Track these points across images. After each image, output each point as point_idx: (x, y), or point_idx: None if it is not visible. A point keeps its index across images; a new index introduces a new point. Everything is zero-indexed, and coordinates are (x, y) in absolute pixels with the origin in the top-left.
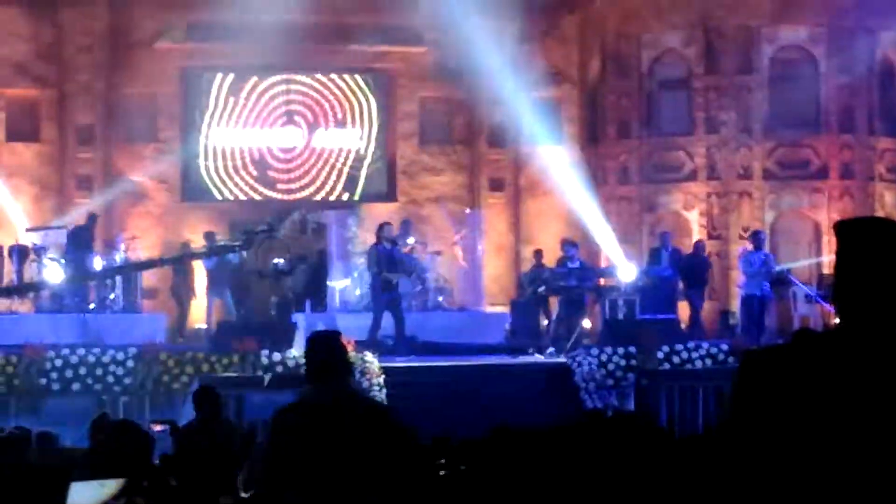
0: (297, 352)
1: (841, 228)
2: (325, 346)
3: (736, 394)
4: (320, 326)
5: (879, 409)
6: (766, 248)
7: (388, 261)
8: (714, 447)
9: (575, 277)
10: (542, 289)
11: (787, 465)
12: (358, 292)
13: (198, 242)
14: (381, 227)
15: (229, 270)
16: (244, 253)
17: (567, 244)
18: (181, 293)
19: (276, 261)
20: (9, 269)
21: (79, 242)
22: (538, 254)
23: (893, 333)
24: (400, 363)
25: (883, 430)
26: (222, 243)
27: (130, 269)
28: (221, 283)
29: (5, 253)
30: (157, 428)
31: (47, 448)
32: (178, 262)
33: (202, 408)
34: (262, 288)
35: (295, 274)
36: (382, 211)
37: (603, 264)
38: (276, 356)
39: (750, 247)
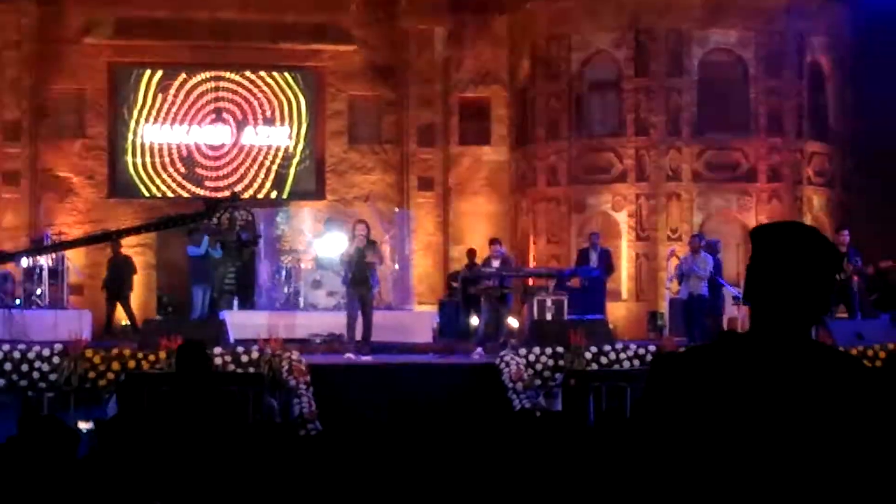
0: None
1: (755, 233)
2: None
3: (644, 391)
4: (248, 324)
5: (784, 412)
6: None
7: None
8: (619, 445)
9: (498, 277)
10: (472, 288)
11: (682, 464)
12: (286, 290)
13: (125, 241)
14: (354, 226)
15: (211, 264)
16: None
17: (492, 243)
18: (114, 288)
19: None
20: None
21: None
22: (471, 253)
23: (804, 337)
24: (325, 362)
25: (785, 433)
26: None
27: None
28: (205, 276)
29: None
30: (84, 426)
31: None
32: (137, 231)
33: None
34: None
35: (220, 270)
36: (311, 209)
37: (532, 265)
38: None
39: (686, 250)
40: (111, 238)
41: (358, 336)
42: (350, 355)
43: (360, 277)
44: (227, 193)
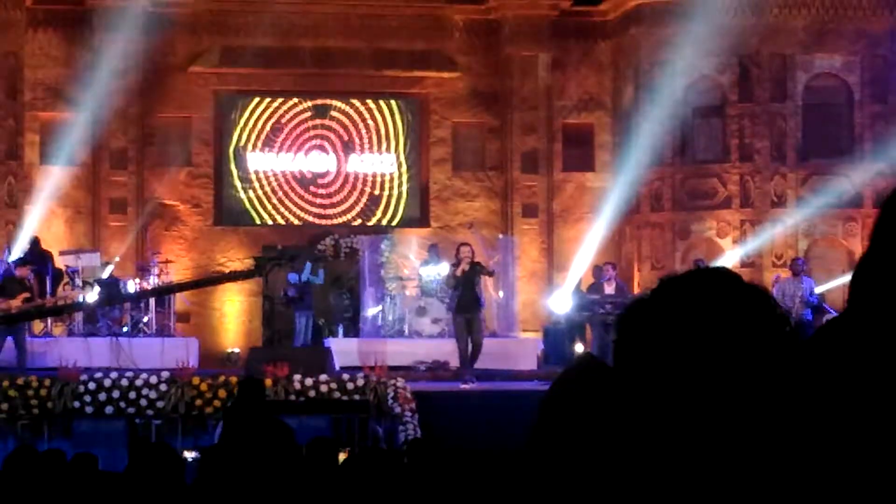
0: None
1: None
2: None
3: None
4: (353, 351)
5: None
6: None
7: (466, 283)
8: None
9: (609, 302)
10: (578, 315)
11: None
12: (391, 317)
13: (230, 267)
14: (458, 249)
15: (313, 291)
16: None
17: (601, 268)
18: None
19: (285, 289)
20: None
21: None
22: (580, 280)
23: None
24: (429, 389)
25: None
26: (234, 271)
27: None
28: (307, 303)
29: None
30: (189, 455)
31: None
32: (194, 287)
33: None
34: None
35: (328, 298)
36: (415, 236)
37: (636, 290)
38: (309, 381)
39: (785, 274)
40: (172, 292)
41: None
42: (464, 385)
43: (467, 302)
44: (333, 222)
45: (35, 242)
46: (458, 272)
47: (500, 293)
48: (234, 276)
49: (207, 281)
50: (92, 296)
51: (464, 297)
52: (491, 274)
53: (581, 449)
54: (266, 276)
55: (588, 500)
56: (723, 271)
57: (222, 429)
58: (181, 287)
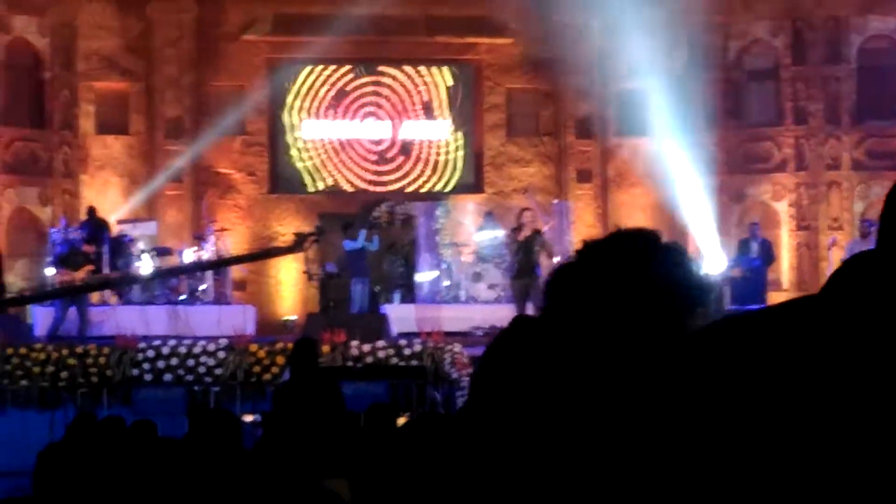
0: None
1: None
2: None
3: None
4: (410, 317)
5: None
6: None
7: (526, 249)
8: None
9: None
10: None
11: None
12: (447, 283)
13: (286, 235)
14: (521, 213)
15: (367, 257)
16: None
17: None
18: None
19: (324, 264)
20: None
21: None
22: None
23: None
24: None
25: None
26: (274, 247)
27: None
28: (362, 269)
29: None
30: (248, 419)
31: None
32: (240, 261)
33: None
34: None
35: (383, 265)
36: (470, 202)
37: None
38: (367, 347)
39: (841, 237)
40: (220, 266)
41: None
42: None
43: (526, 268)
44: (388, 188)
45: (91, 212)
46: (521, 237)
47: (556, 259)
48: (273, 253)
49: (248, 257)
50: (147, 266)
51: (523, 262)
52: (550, 254)
53: (513, 406)
54: (309, 248)
55: (522, 457)
56: (642, 232)
57: (278, 391)
58: (220, 263)
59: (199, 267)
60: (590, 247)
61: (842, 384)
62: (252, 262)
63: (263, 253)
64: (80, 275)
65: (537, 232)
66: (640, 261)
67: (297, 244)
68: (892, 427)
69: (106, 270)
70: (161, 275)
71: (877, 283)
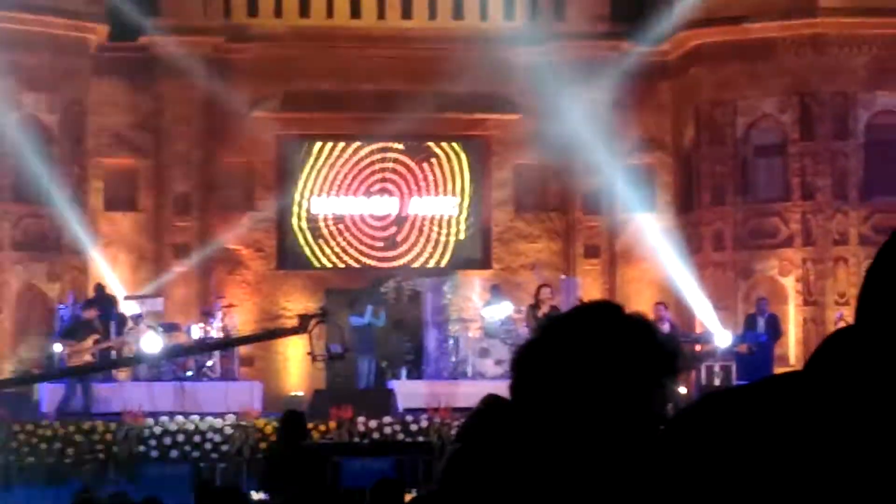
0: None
1: None
2: None
3: None
4: (417, 393)
5: None
6: None
7: None
8: None
9: None
10: None
11: None
12: (454, 359)
13: (293, 311)
14: (539, 290)
15: (374, 333)
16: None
17: (656, 307)
18: None
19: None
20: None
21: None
22: None
23: None
24: None
25: None
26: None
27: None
28: (369, 345)
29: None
30: (256, 497)
31: None
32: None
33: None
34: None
35: (391, 341)
36: (477, 278)
37: (698, 331)
38: (373, 423)
39: (849, 313)
40: (225, 347)
41: None
42: None
43: None
44: (395, 264)
45: (100, 288)
46: (541, 314)
47: None
48: (277, 334)
49: (253, 338)
50: (154, 342)
51: None
52: None
53: (485, 486)
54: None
55: None
56: (604, 306)
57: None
58: (226, 344)
59: (206, 347)
60: (553, 322)
61: (823, 459)
62: (257, 342)
63: (268, 334)
64: (87, 344)
65: (555, 308)
66: (602, 335)
67: (302, 326)
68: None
69: (112, 340)
70: (169, 355)
71: (855, 358)
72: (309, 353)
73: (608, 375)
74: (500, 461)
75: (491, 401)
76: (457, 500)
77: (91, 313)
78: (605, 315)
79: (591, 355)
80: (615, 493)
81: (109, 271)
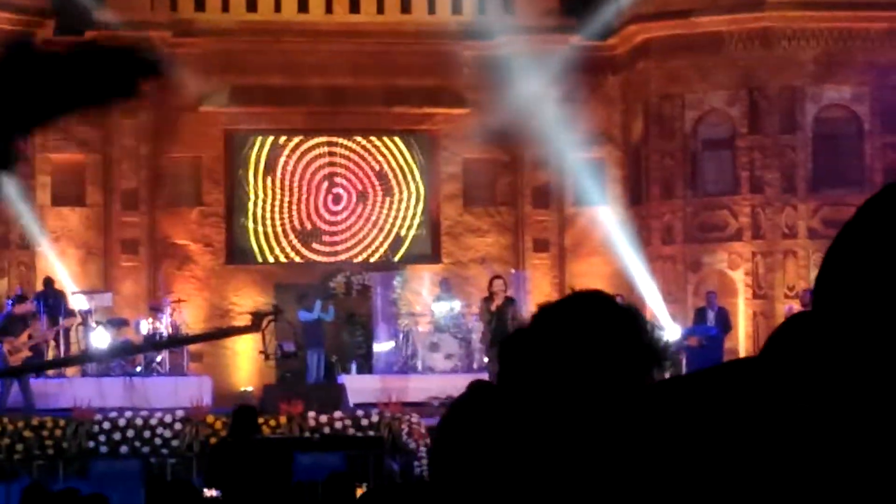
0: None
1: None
2: None
3: None
4: (367, 388)
5: None
6: None
7: (500, 317)
8: None
9: None
10: None
11: None
12: (404, 353)
13: (243, 306)
14: (492, 282)
15: (323, 327)
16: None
17: None
18: None
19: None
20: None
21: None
22: None
23: None
24: None
25: None
26: (232, 327)
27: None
28: (318, 340)
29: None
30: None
31: None
32: (194, 341)
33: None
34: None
35: (341, 336)
36: (427, 272)
37: None
38: (324, 417)
39: (797, 306)
40: (176, 345)
41: None
42: None
43: (500, 336)
44: (344, 258)
45: (48, 283)
46: (494, 306)
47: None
48: (232, 332)
49: (204, 337)
50: (103, 338)
51: (497, 331)
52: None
53: (472, 470)
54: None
55: None
56: (596, 295)
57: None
58: (176, 342)
59: (159, 346)
60: (546, 311)
61: (774, 445)
62: (210, 341)
63: (221, 333)
64: (23, 339)
65: (510, 300)
66: (596, 324)
67: (255, 325)
68: (820, 485)
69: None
70: (117, 354)
71: (810, 345)
72: (262, 352)
73: (601, 364)
74: (491, 445)
75: (479, 386)
76: (447, 484)
77: (24, 308)
78: (599, 304)
79: (585, 344)
80: (604, 477)
81: (58, 266)
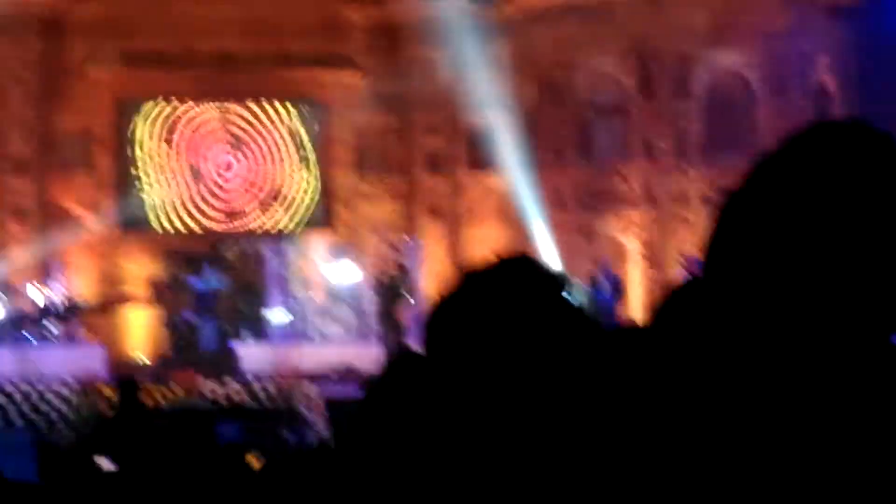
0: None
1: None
2: None
3: None
4: (262, 357)
5: None
6: None
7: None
8: None
9: None
10: None
11: None
12: (297, 322)
13: (136, 274)
14: (386, 250)
15: (216, 295)
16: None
17: None
18: None
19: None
20: None
21: None
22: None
23: None
24: (339, 393)
25: None
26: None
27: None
28: (210, 308)
29: None
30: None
31: None
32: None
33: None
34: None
35: (234, 303)
36: (320, 240)
37: None
38: (219, 389)
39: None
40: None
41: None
42: None
43: (393, 303)
44: (236, 225)
45: None
46: (386, 274)
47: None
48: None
49: (109, 303)
50: None
51: (390, 299)
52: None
53: (395, 443)
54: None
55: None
56: (523, 259)
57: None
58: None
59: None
60: (475, 277)
61: (670, 413)
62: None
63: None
64: None
65: (403, 268)
66: (523, 288)
67: (106, 306)
68: (712, 456)
69: None
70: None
71: (702, 311)
72: (166, 325)
73: (529, 329)
74: (416, 413)
75: (404, 353)
76: (365, 453)
77: None
78: (525, 268)
79: (514, 308)
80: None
81: None
